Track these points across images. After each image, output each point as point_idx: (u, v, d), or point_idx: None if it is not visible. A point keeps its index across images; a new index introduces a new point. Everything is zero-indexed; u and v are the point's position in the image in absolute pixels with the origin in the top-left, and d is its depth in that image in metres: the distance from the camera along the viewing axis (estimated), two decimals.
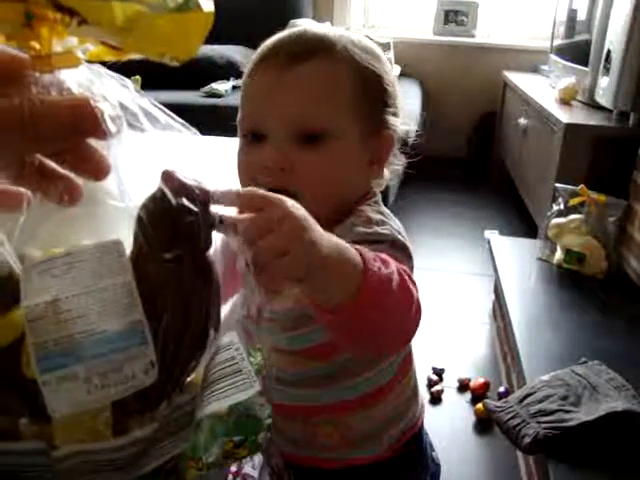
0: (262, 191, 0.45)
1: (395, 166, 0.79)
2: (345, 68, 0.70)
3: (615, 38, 2.19)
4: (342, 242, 0.51)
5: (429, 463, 0.88)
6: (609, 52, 2.24)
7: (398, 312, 0.58)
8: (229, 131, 0.82)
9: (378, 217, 0.69)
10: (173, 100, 2.94)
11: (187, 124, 0.47)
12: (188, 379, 0.44)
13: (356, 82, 0.70)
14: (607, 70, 2.24)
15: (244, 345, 0.51)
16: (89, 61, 0.41)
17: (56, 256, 0.38)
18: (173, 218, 0.40)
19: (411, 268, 0.68)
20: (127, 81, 0.43)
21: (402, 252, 0.67)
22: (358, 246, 0.54)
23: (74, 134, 0.37)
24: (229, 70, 3.13)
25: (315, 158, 0.68)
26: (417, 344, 2.21)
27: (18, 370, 0.37)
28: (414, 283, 0.62)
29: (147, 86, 3.44)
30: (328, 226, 0.69)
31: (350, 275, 0.52)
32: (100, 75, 0.41)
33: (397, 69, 3.79)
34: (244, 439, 0.49)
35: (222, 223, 0.43)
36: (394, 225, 0.70)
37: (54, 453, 0.39)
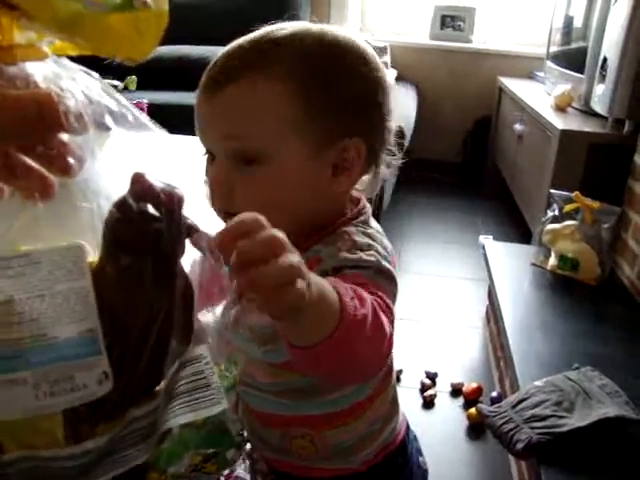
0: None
1: (394, 162, 0.76)
2: (286, 81, 0.64)
3: (611, 46, 2.20)
4: (320, 278, 0.50)
5: (414, 470, 0.86)
6: (605, 59, 2.25)
7: (368, 350, 0.57)
8: None
9: (365, 241, 0.66)
10: (169, 100, 2.93)
11: (156, 123, 0.46)
12: (157, 388, 0.43)
13: (299, 96, 0.65)
14: (603, 77, 2.25)
15: (223, 357, 0.50)
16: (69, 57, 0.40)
17: (13, 256, 0.37)
18: (135, 224, 0.39)
19: (394, 294, 0.66)
20: (95, 75, 0.41)
21: (386, 279, 0.64)
22: (335, 281, 0.53)
23: (37, 129, 0.36)
24: None
25: (251, 182, 0.65)
26: (411, 348, 2.21)
27: None
28: (391, 313, 0.60)
29: (143, 86, 3.45)
30: (303, 244, 0.65)
31: (327, 317, 0.51)
32: (68, 69, 0.39)
33: (393, 73, 3.80)
34: (213, 454, 0.48)
35: (196, 231, 0.42)
36: (380, 248, 0.67)
37: (2, 456, 0.38)
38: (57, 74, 0.39)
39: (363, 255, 0.64)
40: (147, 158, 0.43)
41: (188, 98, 3.45)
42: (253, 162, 0.65)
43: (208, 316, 0.51)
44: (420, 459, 0.89)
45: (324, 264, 0.63)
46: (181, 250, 0.41)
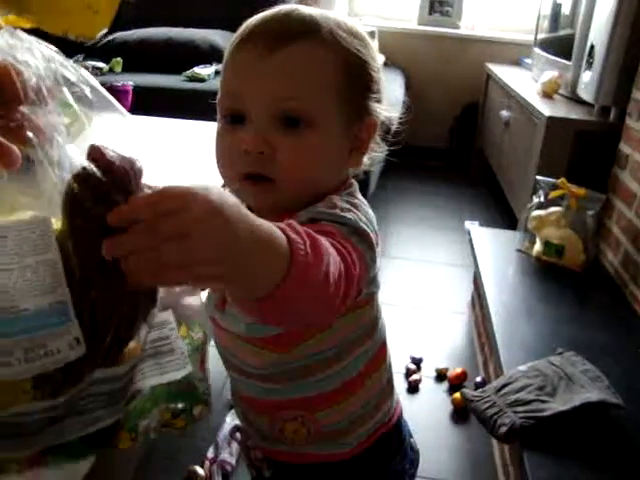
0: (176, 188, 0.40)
1: (375, 153, 0.77)
2: (330, 52, 0.68)
3: (598, 33, 2.20)
4: (267, 224, 0.46)
5: (408, 451, 0.88)
6: (592, 47, 2.25)
7: (322, 300, 0.54)
8: (210, 115, 0.80)
9: (345, 205, 0.67)
10: (155, 84, 2.91)
11: (116, 102, 0.45)
12: (125, 350, 0.44)
13: (341, 67, 0.68)
14: (590, 65, 2.26)
15: (189, 321, 0.51)
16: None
17: None
18: (93, 194, 0.39)
19: (371, 259, 0.64)
20: (52, 47, 0.41)
21: (361, 240, 0.62)
22: (285, 226, 0.49)
23: None
24: (212, 55, 3.10)
25: (296, 143, 0.66)
26: (396, 333, 2.22)
27: None
28: (354, 267, 0.57)
29: (129, 69, 3.41)
30: (294, 214, 0.66)
31: (273, 264, 0.46)
32: (21, 39, 0.39)
33: (381, 58, 3.79)
34: (181, 410, 0.50)
35: None
36: (361, 216, 0.66)
37: None
38: (12, 45, 0.38)
39: (339, 212, 0.64)
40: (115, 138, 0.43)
41: (174, 81, 3.42)
42: (298, 124, 0.66)
43: (195, 299, 0.52)
44: (412, 441, 0.90)
45: (299, 217, 0.63)
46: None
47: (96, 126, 0.44)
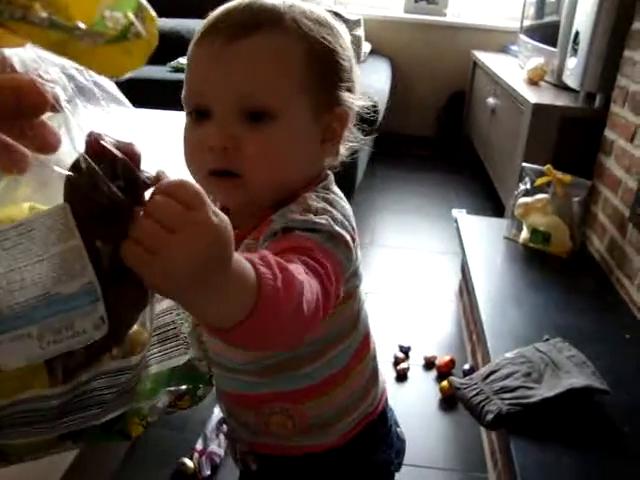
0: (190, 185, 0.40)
1: (354, 143, 0.76)
2: (293, 42, 0.66)
3: (583, 20, 2.20)
4: (237, 256, 0.43)
5: (394, 440, 0.88)
6: (577, 33, 2.25)
7: (292, 330, 0.52)
8: None
9: (320, 205, 0.65)
10: (140, 75, 2.86)
11: (126, 101, 0.47)
12: (133, 333, 0.46)
13: (305, 57, 0.66)
14: (575, 51, 2.26)
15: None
16: None
17: (7, 228, 0.38)
18: (91, 182, 0.39)
19: (347, 259, 0.63)
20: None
21: (337, 245, 0.61)
22: (256, 259, 0.47)
23: (16, 115, 0.37)
24: None
25: (260, 137, 0.65)
26: (384, 322, 2.22)
27: None
28: (330, 282, 0.57)
29: None
30: (267, 211, 0.66)
31: (238, 298, 0.44)
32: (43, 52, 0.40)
33: (367, 47, 3.77)
34: (186, 391, 0.51)
35: (152, 185, 0.42)
36: (336, 213, 0.65)
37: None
38: (36, 60, 0.40)
39: (314, 217, 0.62)
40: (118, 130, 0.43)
41: (159, 72, 3.40)
42: (263, 117, 0.65)
43: None
44: (398, 430, 0.90)
45: (274, 224, 0.62)
46: (142, 202, 0.41)
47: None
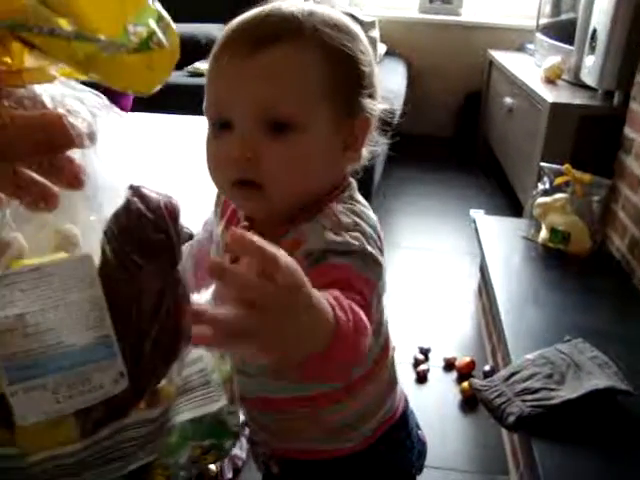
0: (255, 240, 0.42)
1: (373, 147, 0.76)
2: (314, 52, 0.66)
3: (601, 17, 2.19)
4: (318, 296, 0.47)
5: (415, 443, 0.88)
6: (595, 31, 2.24)
7: (353, 358, 0.55)
8: None
9: (350, 220, 0.66)
10: None
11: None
12: (158, 386, 0.45)
13: (326, 66, 0.66)
14: (592, 49, 2.24)
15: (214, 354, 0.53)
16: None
17: (24, 270, 0.39)
18: (143, 235, 0.40)
19: (378, 275, 0.65)
20: (99, 94, 0.43)
21: (371, 265, 0.64)
22: (330, 296, 0.51)
23: (45, 150, 0.38)
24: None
25: (282, 148, 0.65)
26: (403, 324, 2.21)
27: None
28: (369, 310, 0.59)
29: None
30: (293, 220, 0.67)
31: (319, 337, 0.48)
32: (74, 88, 0.41)
33: (383, 48, 3.77)
34: (212, 445, 0.51)
35: (191, 239, 0.44)
36: (366, 227, 0.66)
37: (28, 458, 0.40)
38: (64, 95, 0.40)
39: (348, 238, 0.63)
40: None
41: (176, 77, 3.42)
42: (285, 128, 0.65)
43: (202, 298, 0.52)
44: (419, 432, 0.90)
45: (308, 245, 0.63)
46: (180, 256, 0.42)
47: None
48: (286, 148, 0.65)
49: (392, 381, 0.84)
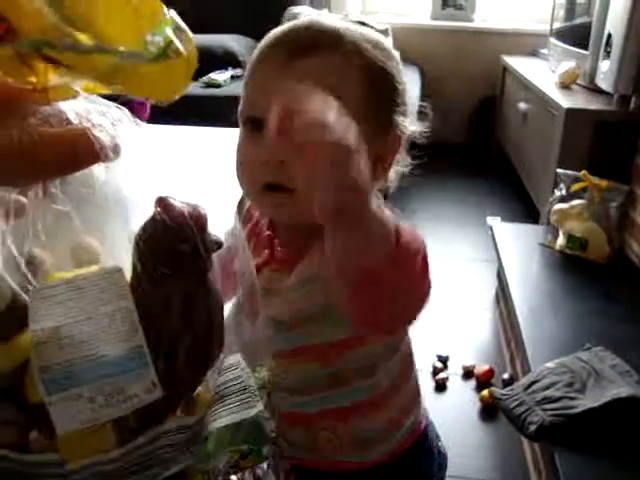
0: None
1: (400, 167, 0.76)
2: (353, 64, 0.66)
3: (616, 21, 2.17)
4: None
5: (435, 454, 0.87)
6: (610, 35, 2.22)
7: (413, 288, 0.59)
8: (227, 121, 0.79)
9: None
10: None
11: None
12: (193, 394, 0.46)
13: (364, 80, 0.67)
14: (608, 54, 2.23)
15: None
16: None
17: (58, 283, 0.40)
18: (169, 246, 0.41)
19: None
20: (124, 109, 0.44)
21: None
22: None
23: (72, 165, 0.39)
24: (227, 60, 3.11)
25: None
26: (421, 332, 2.21)
27: (21, 391, 0.40)
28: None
29: None
30: (317, 231, 0.68)
31: (383, 237, 0.51)
32: (97, 103, 0.42)
33: (396, 54, 3.77)
34: (250, 450, 0.52)
35: (220, 247, 0.44)
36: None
37: (68, 466, 0.41)
38: (88, 110, 0.41)
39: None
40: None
41: (191, 87, 3.45)
42: None
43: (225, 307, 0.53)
44: (440, 444, 0.90)
45: None
46: (210, 265, 0.43)
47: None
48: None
49: (417, 393, 0.84)
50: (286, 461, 0.83)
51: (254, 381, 0.52)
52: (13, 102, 0.37)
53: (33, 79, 0.38)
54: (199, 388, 0.47)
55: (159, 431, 0.44)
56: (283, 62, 0.66)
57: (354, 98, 0.66)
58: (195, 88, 3.01)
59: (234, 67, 3.12)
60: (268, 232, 0.74)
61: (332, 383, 0.74)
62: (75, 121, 0.40)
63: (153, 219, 0.41)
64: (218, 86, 3.01)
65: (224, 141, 0.82)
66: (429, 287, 0.61)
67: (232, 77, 3.06)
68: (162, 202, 0.42)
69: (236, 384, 0.50)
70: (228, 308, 0.56)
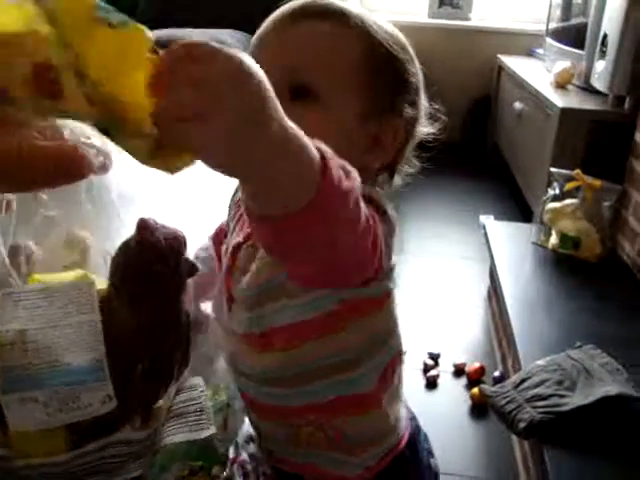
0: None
1: (409, 169, 0.75)
2: (356, 36, 0.66)
3: (611, 22, 2.18)
4: (301, 133, 0.44)
5: (424, 472, 0.82)
6: (605, 36, 2.23)
7: (349, 236, 0.51)
8: None
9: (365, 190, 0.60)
10: None
11: None
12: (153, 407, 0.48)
13: (365, 55, 0.66)
14: (603, 54, 2.23)
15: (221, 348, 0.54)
16: None
17: (30, 288, 0.41)
18: (144, 265, 0.43)
19: (388, 244, 0.63)
20: None
21: (383, 219, 0.61)
22: (319, 144, 0.47)
23: (61, 179, 0.40)
24: None
25: (299, 115, 0.57)
26: (413, 329, 2.21)
27: None
28: (374, 222, 0.55)
29: None
30: None
31: (303, 171, 0.44)
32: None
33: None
34: (200, 467, 0.53)
35: (196, 271, 0.45)
36: (381, 201, 0.64)
37: (15, 462, 0.42)
38: (83, 126, 0.42)
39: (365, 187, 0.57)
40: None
41: None
42: (306, 97, 0.64)
43: (207, 306, 0.53)
44: (431, 460, 0.84)
45: None
46: (183, 287, 0.44)
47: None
48: (302, 114, 0.58)
49: (399, 399, 0.80)
50: (266, 466, 0.82)
51: (210, 405, 0.54)
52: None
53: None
54: (160, 402, 0.48)
55: (108, 441, 0.45)
56: (285, 25, 0.66)
57: (350, 68, 0.66)
58: None
59: None
60: None
61: (306, 376, 0.70)
62: (68, 136, 0.40)
63: (133, 240, 0.43)
64: None
65: None
66: (367, 235, 0.54)
67: None
68: (142, 223, 0.43)
69: (194, 404, 0.52)
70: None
